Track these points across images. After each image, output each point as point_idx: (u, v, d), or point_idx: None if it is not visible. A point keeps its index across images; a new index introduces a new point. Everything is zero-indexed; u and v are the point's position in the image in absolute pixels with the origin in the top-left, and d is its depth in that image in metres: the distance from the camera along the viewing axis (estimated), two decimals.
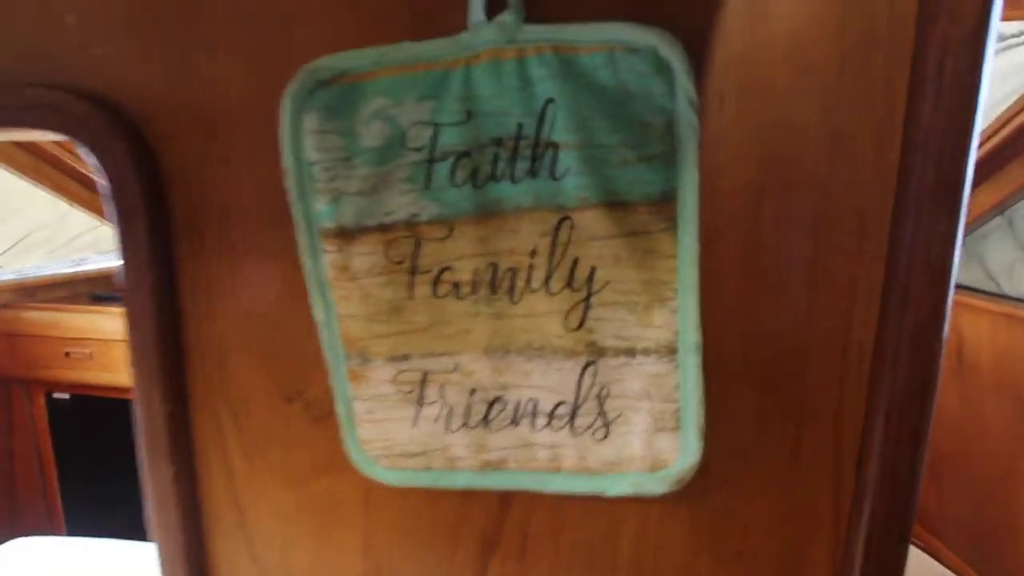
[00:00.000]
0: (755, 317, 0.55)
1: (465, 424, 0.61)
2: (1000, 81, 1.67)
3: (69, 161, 2.07)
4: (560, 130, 0.52)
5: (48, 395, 2.20)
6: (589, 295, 0.56)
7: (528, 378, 0.59)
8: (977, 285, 1.87)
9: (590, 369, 0.57)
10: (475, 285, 0.57)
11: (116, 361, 2.12)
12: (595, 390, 0.58)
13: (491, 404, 0.60)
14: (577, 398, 0.58)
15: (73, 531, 2.25)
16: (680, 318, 0.55)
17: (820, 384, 0.55)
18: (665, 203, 0.53)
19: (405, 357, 0.60)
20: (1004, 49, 1.75)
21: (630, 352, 0.56)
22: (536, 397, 0.59)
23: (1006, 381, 1.67)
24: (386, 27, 0.54)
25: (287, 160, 0.56)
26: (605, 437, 0.59)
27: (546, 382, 0.58)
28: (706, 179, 0.52)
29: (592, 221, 0.54)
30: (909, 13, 0.48)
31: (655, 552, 0.61)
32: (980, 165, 1.64)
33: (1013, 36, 1.75)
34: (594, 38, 0.50)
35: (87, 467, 2.23)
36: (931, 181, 0.48)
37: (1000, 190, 1.73)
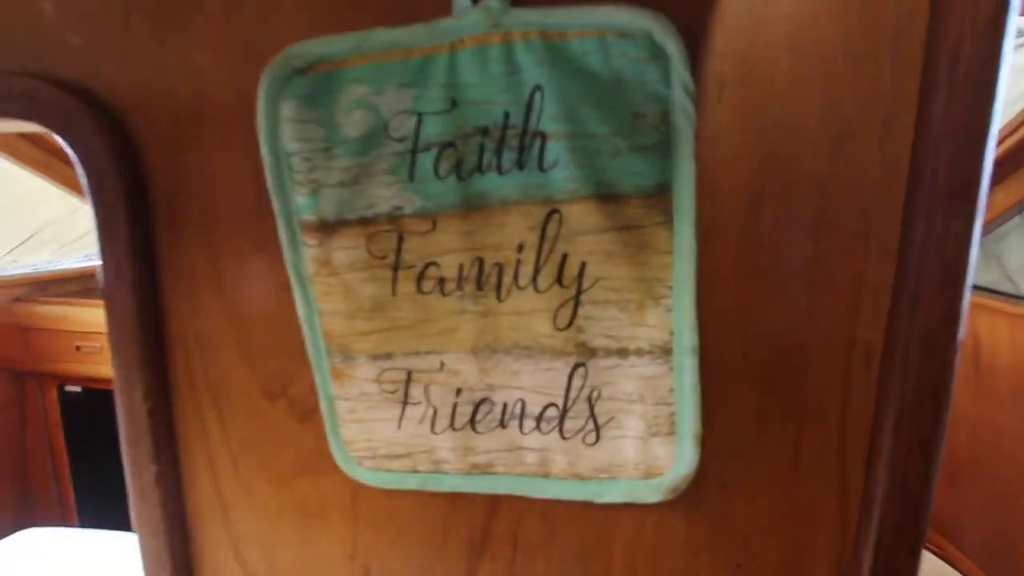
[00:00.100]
0: (755, 317, 0.53)
1: (451, 426, 0.59)
2: (1021, 77, 1.63)
3: None
4: (548, 119, 0.50)
5: (60, 388, 2.22)
6: (579, 292, 0.54)
7: (516, 379, 0.57)
8: (995, 286, 1.83)
9: (580, 370, 0.55)
10: (460, 281, 0.55)
11: None
12: (585, 392, 0.56)
13: (478, 405, 0.58)
14: (566, 400, 0.56)
15: (85, 522, 2.28)
16: (675, 317, 0.53)
17: (822, 384, 0.53)
18: (659, 196, 0.51)
19: (388, 355, 0.58)
20: (1023, 45, 1.70)
21: (622, 353, 0.54)
22: (524, 398, 0.57)
23: None
24: (370, 14, 0.52)
25: (264, 150, 0.55)
26: (596, 441, 0.57)
27: (534, 383, 0.56)
28: (704, 174, 0.51)
29: (582, 214, 0.52)
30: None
31: (650, 558, 0.59)
32: (998, 164, 1.60)
33: None
34: (584, 22, 0.48)
35: (99, 459, 2.25)
36: (944, 180, 0.46)
37: (1019, 189, 1.68)
